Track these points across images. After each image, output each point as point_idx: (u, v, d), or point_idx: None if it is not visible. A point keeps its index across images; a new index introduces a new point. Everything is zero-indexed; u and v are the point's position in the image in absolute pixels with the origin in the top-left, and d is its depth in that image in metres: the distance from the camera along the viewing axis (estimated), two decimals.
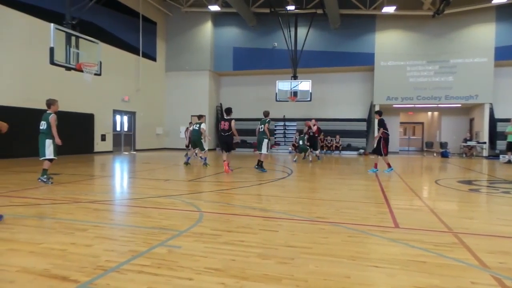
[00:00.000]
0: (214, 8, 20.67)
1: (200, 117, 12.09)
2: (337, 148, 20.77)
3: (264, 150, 10.28)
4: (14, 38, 13.36)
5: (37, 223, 4.25)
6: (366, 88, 22.08)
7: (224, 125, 10.02)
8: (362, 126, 21.60)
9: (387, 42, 20.89)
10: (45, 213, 4.68)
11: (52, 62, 10.31)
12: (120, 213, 5.13)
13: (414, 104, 21.19)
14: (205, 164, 11.69)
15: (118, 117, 19.61)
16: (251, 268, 2.87)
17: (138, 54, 20.63)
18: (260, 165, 10.24)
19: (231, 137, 10.04)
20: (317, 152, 15.43)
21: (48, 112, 7.36)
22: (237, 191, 6.90)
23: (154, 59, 22.34)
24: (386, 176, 9.62)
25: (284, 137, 22.99)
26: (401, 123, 25.39)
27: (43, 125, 7.25)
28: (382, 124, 10.15)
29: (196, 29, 22.98)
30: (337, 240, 3.68)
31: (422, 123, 27.11)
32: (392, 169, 10.29)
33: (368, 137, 21.27)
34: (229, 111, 10.42)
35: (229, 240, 3.61)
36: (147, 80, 21.50)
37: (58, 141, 7.27)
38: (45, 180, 7.21)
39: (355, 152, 20.82)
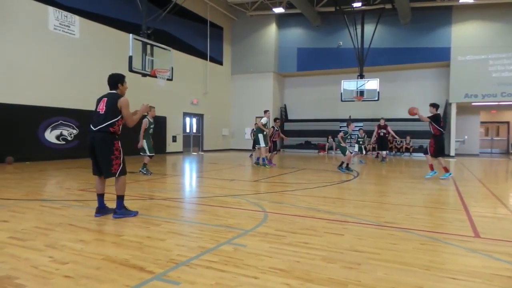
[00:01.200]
0: (279, 10, 20.81)
1: (264, 112, 11.97)
2: (407, 149, 19.59)
3: (261, 143, 11.19)
4: (98, 48, 14.79)
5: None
6: (440, 86, 20.53)
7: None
8: None
9: (465, 35, 19.20)
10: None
11: (130, 69, 11.22)
12: (190, 211, 5.41)
13: (498, 102, 19.18)
14: (257, 163, 11.57)
15: (187, 119, 20.69)
16: (316, 271, 2.84)
17: (206, 59, 21.56)
18: (342, 165, 10.29)
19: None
20: (384, 153, 14.63)
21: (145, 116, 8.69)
22: (302, 192, 6.86)
23: (220, 63, 23.17)
24: (462, 180, 8.83)
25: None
26: (482, 122, 23.17)
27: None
28: (437, 119, 8.90)
29: (260, 32, 23.35)
30: (408, 247, 3.48)
31: (507, 123, 24.41)
32: (435, 173, 9.01)
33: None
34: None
35: (293, 241, 3.61)
36: (214, 84, 22.36)
37: (140, 143, 8.90)
38: (145, 172, 9.04)
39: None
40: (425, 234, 3.94)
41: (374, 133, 14.57)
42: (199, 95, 21.17)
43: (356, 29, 19.10)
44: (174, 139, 19.28)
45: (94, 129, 4.37)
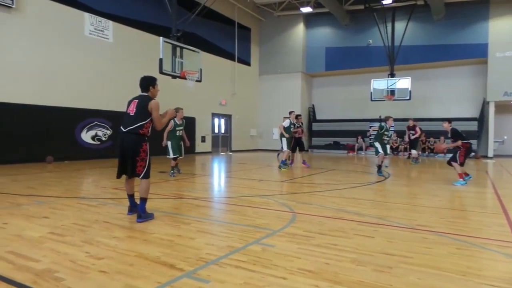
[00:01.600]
0: (306, 9, 20.65)
1: (289, 113, 11.58)
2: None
3: (284, 147, 11.05)
4: (130, 51, 15.27)
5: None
6: (476, 83, 19.65)
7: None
8: (472, 126, 19.19)
9: (505, 30, 18.25)
10: (155, 207, 5.25)
11: (161, 71, 11.50)
12: (218, 210, 5.47)
13: None
14: (280, 166, 11.08)
15: (216, 120, 20.96)
16: (345, 273, 2.80)
17: (234, 60, 21.74)
18: (380, 169, 9.65)
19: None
20: (415, 153, 13.99)
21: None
22: (330, 193, 6.78)
23: (248, 64, 23.29)
24: (501, 183, 8.41)
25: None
26: None
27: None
28: (458, 134, 8.02)
29: (288, 32, 23.27)
30: (442, 252, 3.36)
31: None
32: (470, 177, 8.17)
33: (480, 138, 18.90)
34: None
35: (322, 242, 3.58)
36: (242, 84, 22.51)
37: (164, 142, 8.85)
38: (170, 174, 8.94)
39: None
40: (460, 239, 3.79)
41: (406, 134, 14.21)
42: (227, 95, 21.37)
43: (386, 26, 18.65)
44: (203, 139, 19.58)
45: (124, 130, 4.39)
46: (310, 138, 23.79)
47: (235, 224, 4.35)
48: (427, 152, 18.93)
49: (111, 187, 7.01)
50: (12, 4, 11.22)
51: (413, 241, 3.69)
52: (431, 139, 19.15)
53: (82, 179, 8.62)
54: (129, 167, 4.42)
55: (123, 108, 4.40)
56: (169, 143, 8.91)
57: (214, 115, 20.58)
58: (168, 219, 4.52)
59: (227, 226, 4.28)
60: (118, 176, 4.58)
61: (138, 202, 4.47)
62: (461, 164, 8.02)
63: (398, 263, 3.03)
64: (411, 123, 13.95)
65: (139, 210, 4.38)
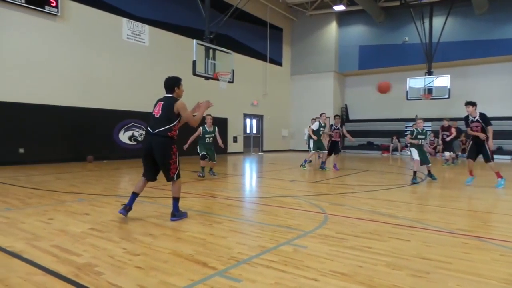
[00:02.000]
0: (339, 8, 20.31)
1: (320, 115, 11.42)
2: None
3: (311, 149, 11.24)
4: (165, 54, 15.70)
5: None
6: None
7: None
8: None
9: None
10: (189, 206, 5.37)
11: (194, 73, 11.74)
12: (250, 210, 5.51)
13: None
14: (302, 165, 11.41)
15: (248, 120, 21.10)
16: (380, 277, 2.73)
17: (266, 60, 21.78)
18: (429, 173, 8.97)
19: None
20: (447, 155, 13.22)
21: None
22: (364, 194, 6.63)
23: (280, 64, 23.25)
24: None
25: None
26: None
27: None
28: (487, 119, 7.47)
29: (320, 31, 23.00)
30: (484, 258, 3.19)
31: None
32: (504, 180, 7.65)
33: None
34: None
35: (355, 245, 3.51)
36: (274, 85, 22.51)
37: (186, 146, 8.69)
38: (200, 174, 8.82)
39: (508, 157, 17.64)
40: (505, 245, 3.58)
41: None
42: (259, 96, 21.45)
43: (423, 23, 17.95)
44: (235, 139, 19.77)
45: (153, 132, 4.34)
46: (343, 138, 23.36)
47: (267, 224, 4.36)
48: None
49: (146, 186, 7.23)
50: (57, 12, 11.89)
51: (452, 246, 3.53)
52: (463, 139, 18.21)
53: (120, 178, 8.97)
54: (163, 172, 4.41)
55: None
56: (198, 147, 9.05)
57: (246, 115, 20.72)
58: (200, 218, 4.61)
59: (259, 226, 4.30)
60: (147, 177, 4.57)
61: (171, 203, 4.54)
62: (492, 160, 7.49)
63: (435, 269, 2.91)
64: (445, 123, 13.17)
65: (173, 210, 4.44)
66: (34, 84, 11.55)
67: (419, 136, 8.91)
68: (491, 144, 7.43)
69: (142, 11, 14.76)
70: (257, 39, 21.15)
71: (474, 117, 7.71)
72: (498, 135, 18.03)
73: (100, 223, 4.25)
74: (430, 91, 17.64)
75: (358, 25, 22.34)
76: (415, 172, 8.45)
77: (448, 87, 17.15)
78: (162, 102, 4.46)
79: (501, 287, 2.58)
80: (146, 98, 14.68)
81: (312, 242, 3.58)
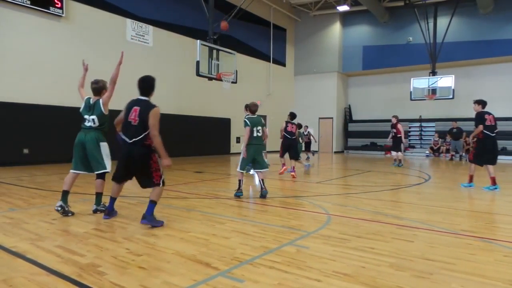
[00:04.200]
0: (343, 8, 20.26)
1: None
2: (498, 153, 17.77)
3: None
4: (169, 55, 15.73)
5: (186, 214, 4.91)
6: None
7: (292, 127, 9.69)
8: None
9: None
10: (192, 206, 5.38)
11: (198, 73, 11.76)
12: (253, 210, 5.50)
13: None
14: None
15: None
16: (383, 278, 2.72)
17: (269, 61, 21.77)
18: None
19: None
20: (394, 154, 12.51)
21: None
22: (367, 195, 6.61)
23: (283, 64, 23.24)
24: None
25: (420, 139, 20.97)
26: None
27: None
28: (481, 119, 7.19)
29: (324, 31, 22.96)
30: (488, 259, 3.17)
31: None
32: (472, 185, 7.55)
33: None
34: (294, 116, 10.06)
35: (358, 245, 3.50)
36: (277, 85, 22.49)
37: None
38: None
39: None
40: (509, 246, 3.56)
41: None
42: (263, 96, 21.43)
43: (427, 23, 17.86)
44: (238, 140, 19.76)
45: (129, 141, 4.11)
46: (346, 139, 23.37)
47: (269, 224, 4.36)
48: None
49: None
50: (62, 13, 11.95)
51: (456, 247, 3.51)
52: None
53: None
54: (145, 181, 4.20)
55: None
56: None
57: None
58: (203, 218, 4.62)
59: (261, 226, 4.30)
60: (118, 180, 4.38)
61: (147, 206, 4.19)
62: (476, 162, 7.27)
63: (439, 269, 2.90)
64: (393, 120, 12.58)
65: (146, 212, 4.08)
66: (39, 85, 11.61)
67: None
68: (469, 141, 7.32)
69: (146, 12, 14.80)
70: (260, 39, 21.15)
71: None
72: (502, 135, 17.98)
73: (103, 223, 4.27)
74: (434, 91, 17.55)
75: (362, 25, 22.28)
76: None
77: (452, 87, 17.06)
78: (139, 108, 4.09)
79: None
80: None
81: (315, 243, 3.58)
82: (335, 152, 22.58)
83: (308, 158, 14.79)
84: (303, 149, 10.83)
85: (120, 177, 4.37)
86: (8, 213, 4.72)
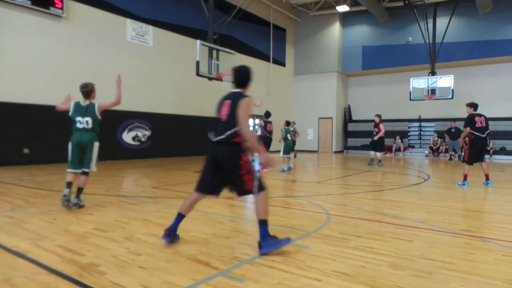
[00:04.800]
0: (343, 8, 20.27)
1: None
2: (487, 151, 17.84)
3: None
4: (169, 55, 15.73)
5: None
6: None
7: (271, 126, 10.77)
8: None
9: None
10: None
11: (198, 73, 11.78)
12: (252, 210, 5.50)
13: None
14: (283, 170, 10.80)
15: (251, 121, 21.06)
16: (383, 277, 2.73)
17: (269, 61, 21.78)
18: None
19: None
20: (372, 154, 12.70)
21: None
22: (367, 195, 6.62)
23: (283, 64, 23.25)
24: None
25: (420, 139, 20.99)
26: None
27: None
28: (469, 121, 7.66)
29: (324, 31, 22.97)
30: (487, 258, 3.18)
31: None
32: (466, 184, 7.67)
33: None
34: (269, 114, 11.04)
35: (358, 245, 3.51)
36: (277, 85, 22.50)
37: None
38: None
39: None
40: (508, 245, 3.57)
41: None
42: (262, 96, 21.44)
43: (427, 23, 17.87)
44: None
45: (214, 140, 3.41)
46: (346, 138, 23.39)
47: (269, 224, 4.36)
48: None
49: (150, 186, 7.28)
50: (62, 13, 11.95)
51: (455, 246, 3.53)
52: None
53: (123, 178, 9.00)
54: (235, 187, 3.46)
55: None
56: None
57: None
58: (203, 217, 4.62)
59: None
60: (203, 190, 3.56)
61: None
62: (468, 162, 7.63)
63: (438, 269, 2.91)
64: (376, 119, 12.63)
65: (260, 238, 3.28)
66: (39, 85, 11.61)
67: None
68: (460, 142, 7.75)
69: (146, 12, 14.80)
70: (260, 39, 21.16)
71: None
72: (502, 135, 18.06)
73: (103, 223, 4.27)
74: (433, 91, 17.56)
75: (361, 26, 22.29)
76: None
77: (452, 88, 17.08)
78: (230, 101, 3.47)
79: (504, 287, 2.57)
80: (151, 98, 14.77)
81: (315, 243, 3.59)
82: (334, 152, 22.59)
83: (295, 156, 14.94)
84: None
85: (204, 187, 3.53)
86: (9, 213, 4.73)
